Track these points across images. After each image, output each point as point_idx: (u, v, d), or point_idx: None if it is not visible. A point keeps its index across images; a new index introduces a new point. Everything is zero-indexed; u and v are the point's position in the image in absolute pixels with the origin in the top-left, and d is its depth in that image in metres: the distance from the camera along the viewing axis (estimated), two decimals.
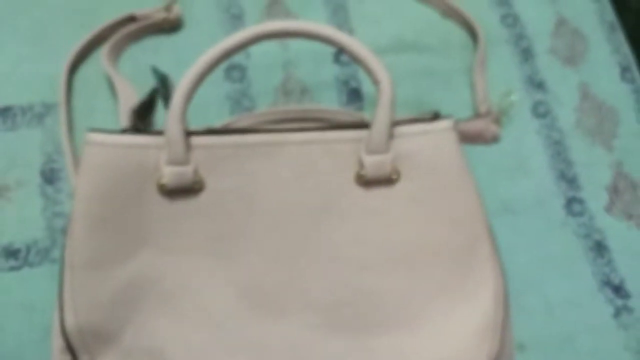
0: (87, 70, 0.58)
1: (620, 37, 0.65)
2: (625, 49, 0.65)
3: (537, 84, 0.62)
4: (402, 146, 0.39)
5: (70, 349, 0.37)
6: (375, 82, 0.39)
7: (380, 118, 0.38)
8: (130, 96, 0.55)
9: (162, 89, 0.44)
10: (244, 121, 0.55)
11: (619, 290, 0.54)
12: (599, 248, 0.55)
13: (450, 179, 0.39)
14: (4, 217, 0.53)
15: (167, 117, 0.37)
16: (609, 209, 0.57)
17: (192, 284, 0.39)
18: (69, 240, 0.37)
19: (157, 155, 0.38)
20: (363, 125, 0.40)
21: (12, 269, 0.51)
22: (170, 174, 0.37)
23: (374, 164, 0.38)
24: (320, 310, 0.39)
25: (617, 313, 0.53)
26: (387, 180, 0.39)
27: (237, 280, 0.39)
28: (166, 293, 0.38)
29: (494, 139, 0.52)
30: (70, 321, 0.37)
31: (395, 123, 0.39)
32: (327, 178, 0.39)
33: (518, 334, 0.51)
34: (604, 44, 0.64)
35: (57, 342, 0.38)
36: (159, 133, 0.38)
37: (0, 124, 0.55)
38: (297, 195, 0.39)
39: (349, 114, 0.56)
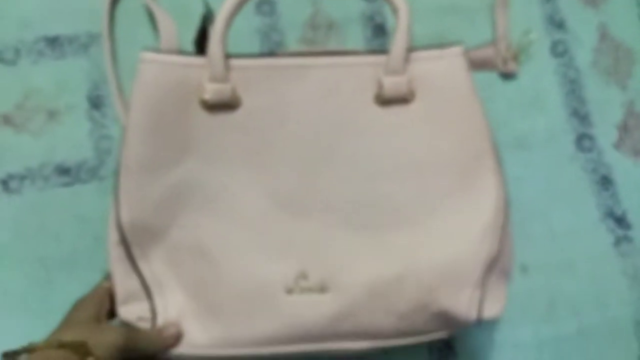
0: (128, 2, 0.62)
1: None
2: None
3: (557, 24, 0.63)
4: (417, 69, 0.44)
5: (123, 241, 0.43)
6: (394, 10, 0.43)
7: (398, 42, 0.43)
8: (169, 26, 0.59)
9: (209, 19, 0.48)
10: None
11: (620, 221, 0.58)
12: (605, 182, 0.59)
13: (459, 100, 0.44)
14: (55, 139, 0.58)
15: (210, 40, 0.42)
16: (617, 145, 0.60)
17: (229, 188, 0.44)
18: (124, 147, 0.43)
19: (200, 73, 0.43)
20: (382, 52, 0.44)
21: (65, 184, 0.57)
22: (211, 90, 0.43)
23: (391, 84, 0.43)
24: (340, 211, 0.44)
25: (617, 242, 0.57)
26: (403, 100, 0.44)
27: (268, 186, 0.44)
28: (207, 196, 0.44)
29: (505, 66, 0.55)
30: (124, 216, 0.43)
31: (411, 49, 0.44)
32: (349, 97, 0.44)
33: (522, 257, 0.56)
34: None
35: (113, 235, 0.44)
36: (204, 56, 0.43)
37: (49, 53, 0.60)
38: (323, 112, 0.44)
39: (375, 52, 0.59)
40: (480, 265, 0.43)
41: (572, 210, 0.58)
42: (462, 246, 0.43)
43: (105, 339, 0.40)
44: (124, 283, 0.44)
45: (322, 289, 0.43)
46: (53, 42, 0.60)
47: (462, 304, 0.43)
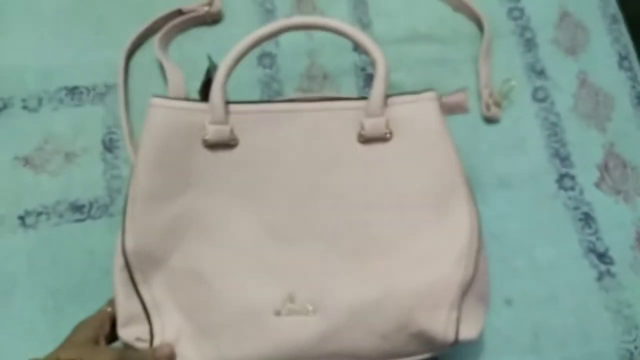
0: (142, 56, 0.68)
1: (622, 28, 0.70)
2: (626, 39, 0.70)
3: (538, 72, 0.68)
4: (394, 112, 0.48)
5: (127, 266, 0.47)
6: (373, 61, 0.49)
7: (377, 88, 0.48)
8: (178, 78, 0.65)
9: (213, 71, 0.54)
10: None
11: (603, 257, 0.60)
12: (587, 219, 0.61)
13: (433, 138, 0.48)
14: (71, 178, 0.63)
15: (212, 88, 0.48)
16: (598, 184, 0.63)
17: (226, 219, 0.49)
18: (132, 180, 0.48)
19: (203, 117, 0.48)
20: (364, 98, 0.49)
21: (78, 220, 0.61)
22: (212, 131, 0.48)
23: (371, 125, 0.48)
24: (326, 240, 0.48)
25: (600, 277, 0.59)
26: (382, 139, 0.48)
27: (261, 217, 0.49)
28: (206, 226, 0.48)
29: (488, 112, 0.62)
30: (129, 243, 0.47)
31: (389, 95, 0.49)
32: (334, 137, 0.49)
33: (506, 290, 0.58)
34: (604, 35, 0.69)
35: (118, 261, 0.48)
36: (206, 102, 0.49)
37: (69, 101, 0.66)
38: (311, 150, 0.49)
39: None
40: (456, 288, 0.46)
41: (555, 246, 0.60)
42: (439, 270, 0.46)
43: (99, 358, 0.43)
44: (126, 305, 0.47)
45: (308, 311, 0.46)
46: (73, 91, 0.66)
47: (440, 325, 0.46)
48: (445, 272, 0.46)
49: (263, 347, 0.45)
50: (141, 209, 0.47)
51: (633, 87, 0.67)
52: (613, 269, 0.59)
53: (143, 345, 0.47)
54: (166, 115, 0.48)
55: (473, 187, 0.51)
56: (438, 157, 0.48)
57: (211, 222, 0.48)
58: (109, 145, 0.64)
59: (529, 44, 0.69)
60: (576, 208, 0.62)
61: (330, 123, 0.49)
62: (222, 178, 0.49)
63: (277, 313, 0.46)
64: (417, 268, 0.47)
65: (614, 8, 0.71)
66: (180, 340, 0.47)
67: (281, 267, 0.48)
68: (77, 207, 0.62)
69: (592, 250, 0.60)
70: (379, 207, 0.48)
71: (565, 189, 0.62)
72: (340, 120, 0.49)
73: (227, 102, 0.49)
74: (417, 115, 0.49)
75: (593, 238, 0.60)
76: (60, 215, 0.61)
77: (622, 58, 0.68)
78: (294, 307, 0.46)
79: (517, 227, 0.61)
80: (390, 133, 0.48)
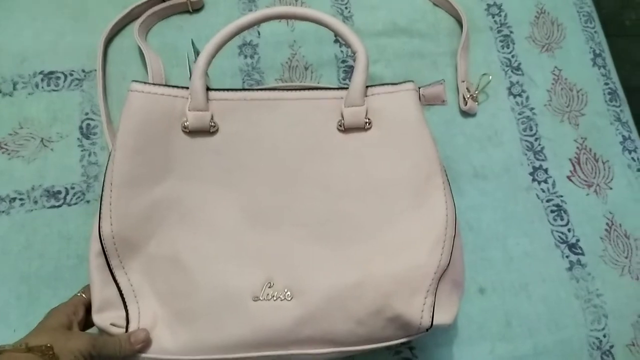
0: (121, 42, 0.68)
1: (597, 26, 0.72)
2: (600, 36, 0.72)
3: (514, 67, 0.69)
4: (374, 102, 0.49)
5: (103, 252, 0.46)
6: (354, 51, 0.50)
7: (357, 79, 0.49)
8: (157, 65, 0.64)
9: (195, 57, 0.54)
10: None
11: (574, 247, 0.61)
12: (559, 211, 0.63)
13: (411, 127, 0.49)
14: (47, 164, 0.62)
15: (192, 75, 0.48)
16: (570, 177, 0.64)
17: (206, 205, 0.48)
18: (110, 165, 0.47)
19: (183, 103, 0.48)
20: (343, 88, 0.50)
21: (53, 207, 0.60)
22: (192, 117, 0.48)
23: (351, 114, 0.49)
24: (306, 226, 0.48)
25: (571, 267, 0.60)
26: (361, 128, 0.49)
27: (241, 203, 0.48)
28: (185, 212, 0.48)
29: (465, 105, 0.63)
30: (105, 229, 0.46)
31: (369, 86, 0.50)
32: (314, 126, 0.49)
33: (479, 279, 0.59)
34: (579, 33, 0.71)
35: (94, 246, 0.47)
36: (186, 89, 0.49)
37: (45, 86, 0.65)
38: (291, 138, 0.49)
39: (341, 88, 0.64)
40: (432, 274, 0.47)
41: (528, 237, 0.61)
42: (415, 256, 0.47)
43: (71, 344, 0.42)
44: (101, 291, 0.47)
45: (286, 296, 0.46)
46: (50, 76, 0.66)
47: (415, 310, 0.46)
48: (422, 258, 0.47)
49: (240, 331, 0.45)
50: (118, 194, 0.47)
51: (606, 83, 0.69)
52: (583, 259, 0.61)
53: (118, 331, 0.46)
54: (146, 101, 0.48)
55: (449, 178, 0.52)
56: (416, 146, 0.49)
57: (190, 208, 0.48)
58: (86, 132, 0.64)
59: (506, 40, 0.70)
60: (549, 200, 0.63)
61: (310, 112, 0.50)
62: (201, 165, 0.49)
63: (256, 298, 0.46)
64: (394, 255, 0.47)
65: (589, 6, 0.73)
66: (156, 326, 0.46)
67: (260, 253, 0.48)
68: (52, 194, 0.61)
69: (563, 241, 0.61)
70: (358, 194, 0.49)
71: (539, 182, 0.64)
72: (321, 109, 0.50)
73: (208, 89, 0.49)
74: (396, 105, 0.49)
75: (565, 229, 0.62)
76: (35, 201, 0.60)
77: (597, 55, 0.70)
78: (272, 292, 0.46)
79: (491, 218, 0.62)
80: (370, 122, 0.49)
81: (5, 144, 0.62)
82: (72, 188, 0.61)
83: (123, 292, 0.47)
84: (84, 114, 0.64)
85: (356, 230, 0.48)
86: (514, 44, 0.70)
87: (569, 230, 0.62)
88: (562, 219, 0.62)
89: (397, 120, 0.49)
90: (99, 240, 0.46)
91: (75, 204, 0.61)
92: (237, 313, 0.46)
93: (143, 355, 0.46)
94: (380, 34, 0.70)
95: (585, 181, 0.64)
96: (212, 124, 0.48)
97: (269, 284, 0.47)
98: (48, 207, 0.60)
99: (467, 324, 0.57)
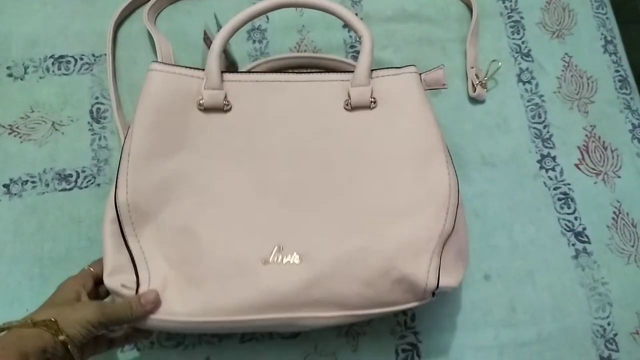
0: (130, 27, 0.68)
1: (608, 12, 0.71)
2: (612, 23, 0.71)
3: (524, 53, 0.69)
4: (378, 84, 0.52)
5: (117, 219, 0.48)
6: (359, 36, 0.52)
7: (363, 60, 0.52)
8: (167, 49, 0.65)
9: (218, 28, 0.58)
10: (263, 65, 0.66)
11: (580, 235, 0.61)
12: (566, 199, 0.62)
13: (413, 107, 0.52)
14: (58, 148, 0.63)
15: (208, 56, 0.51)
16: (578, 165, 0.64)
17: (217, 179, 0.50)
18: (128, 138, 0.50)
19: (199, 84, 0.51)
20: (349, 72, 0.53)
21: (64, 190, 0.61)
22: (207, 95, 0.51)
23: (357, 93, 0.52)
24: (314, 198, 0.50)
25: (577, 255, 0.60)
26: (367, 106, 0.52)
27: (252, 177, 0.50)
28: (197, 184, 0.50)
29: (474, 92, 0.65)
30: (121, 197, 0.48)
31: (374, 69, 0.52)
32: (322, 105, 0.52)
33: (485, 266, 0.60)
34: (590, 19, 0.70)
35: (109, 213, 0.49)
36: (202, 70, 0.52)
37: (56, 70, 0.66)
38: (300, 117, 0.52)
39: (347, 62, 0.65)
40: (437, 237, 0.48)
41: (534, 224, 0.61)
42: (420, 221, 0.49)
43: (77, 316, 0.42)
44: (113, 256, 0.48)
45: (295, 259, 0.48)
46: (60, 60, 0.66)
47: (421, 271, 0.48)
48: (427, 223, 0.49)
49: (250, 294, 0.46)
50: (135, 165, 0.49)
51: (617, 70, 0.68)
52: (589, 247, 0.61)
53: (129, 293, 0.47)
54: (164, 80, 0.51)
55: (456, 165, 0.53)
56: (418, 123, 0.51)
57: (203, 181, 0.50)
58: (96, 116, 0.64)
59: (516, 26, 0.70)
60: (556, 188, 0.63)
61: (318, 93, 0.53)
62: (215, 140, 0.51)
63: (265, 262, 0.47)
64: (399, 221, 0.49)
65: None
66: (166, 289, 0.47)
67: (269, 223, 0.49)
68: (63, 177, 0.62)
69: (570, 229, 0.61)
70: (363, 169, 0.51)
71: (546, 170, 0.64)
72: (328, 90, 0.53)
73: (223, 72, 0.52)
74: (400, 86, 0.52)
75: (571, 217, 0.62)
76: (47, 184, 0.61)
77: (608, 42, 0.69)
78: (281, 256, 0.48)
79: (498, 205, 0.62)
80: (375, 101, 0.52)
81: (17, 128, 0.63)
82: (83, 171, 0.62)
83: (134, 257, 0.48)
84: (94, 98, 0.65)
85: (362, 202, 0.50)
86: (524, 30, 0.70)
87: (575, 218, 0.62)
88: (569, 207, 0.62)
89: (400, 100, 0.52)
90: (114, 208, 0.48)
91: (86, 187, 0.62)
92: (246, 276, 0.47)
93: (152, 317, 0.46)
94: (389, 19, 0.70)
95: (594, 169, 0.64)
96: (226, 102, 0.51)
97: (279, 249, 0.48)
98: (59, 190, 0.61)
99: (471, 310, 0.58)
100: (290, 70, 0.64)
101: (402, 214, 0.49)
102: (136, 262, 0.48)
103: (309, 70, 0.55)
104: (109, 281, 0.47)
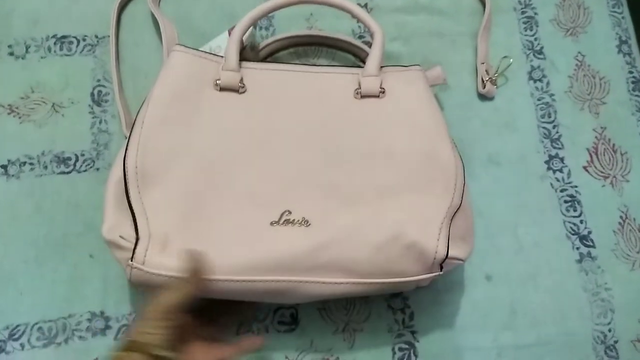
0: (134, 9, 0.67)
1: (624, 12, 0.69)
2: (627, 22, 0.69)
3: (536, 51, 0.67)
4: (387, 78, 0.55)
5: (124, 180, 0.49)
6: (371, 32, 0.56)
7: (375, 53, 0.55)
8: (172, 33, 0.63)
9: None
10: (274, 44, 0.65)
11: (585, 239, 0.60)
12: (573, 201, 0.61)
13: (419, 97, 0.54)
14: (57, 130, 0.62)
15: (228, 42, 0.54)
16: (587, 167, 0.63)
17: (229, 155, 0.51)
18: (144, 106, 0.51)
19: (218, 67, 0.54)
20: (359, 66, 0.55)
21: (63, 173, 0.60)
22: (224, 76, 0.53)
23: (368, 82, 0.54)
24: (324, 174, 0.51)
25: (581, 259, 0.59)
26: (376, 95, 0.54)
27: (261, 153, 0.51)
28: (207, 158, 0.50)
29: (484, 88, 0.64)
30: (130, 160, 0.49)
31: (383, 66, 0.54)
32: (334, 94, 0.54)
33: (487, 266, 0.59)
34: (606, 18, 0.68)
35: (115, 174, 0.49)
36: (222, 57, 0.55)
37: (58, 50, 0.64)
38: (312, 105, 0.54)
39: (358, 45, 0.64)
40: (446, 208, 0.49)
41: (539, 226, 0.60)
42: (429, 195, 0.50)
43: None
44: (114, 214, 0.48)
45: (303, 223, 0.49)
46: (63, 40, 0.65)
47: (431, 238, 0.48)
48: (436, 195, 0.50)
49: (256, 254, 0.47)
50: (148, 132, 0.50)
51: (630, 72, 0.67)
52: (594, 251, 0.60)
53: (126, 244, 0.47)
54: (185, 60, 0.53)
55: (463, 162, 0.52)
56: (424, 111, 0.53)
57: (212, 153, 0.51)
58: (98, 99, 0.63)
59: (530, 22, 0.68)
60: (563, 190, 0.62)
61: (331, 83, 0.55)
62: (228, 118, 0.52)
63: (273, 223, 0.48)
64: (410, 193, 0.50)
65: None
66: (167, 246, 0.47)
67: (279, 191, 0.50)
68: (62, 160, 0.61)
69: (575, 232, 0.60)
70: (372, 149, 0.52)
71: (554, 171, 0.62)
72: (340, 81, 0.55)
73: (241, 60, 0.55)
74: (406, 81, 0.55)
75: (577, 220, 0.61)
76: (45, 167, 0.60)
77: (622, 42, 0.68)
78: (290, 218, 0.49)
79: (503, 205, 0.61)
80: (384, 91, 0.54)
81: (17, 108, 0.62)
82: (82, 155, 0.61)
83: (136, 214, 0.48)
84: (96, 81, 0.64)
85: (371, 177, 0.51)
86: (537, 26, 0.68)
87: (581, 221, 0.61)
88: (575, 210, 0.61)
89: (407, 91, 0.54)
90: (121, 169, 0.49)
91: (85, 171, 0.61)
92: (253, 237, 0.48)
93: (155, 271, 0.46)
94: (400, 10, 0.68)
95: (602, 172, 0.63)
96: (242, 84, 0.53)
97: (288, 212, 0.49)
98: (58, 173, 0.60)
99: (471, 310, 0.57)
100: (304, 63, 0.63)
101: (412, 188, 0.50)
102: (137, 218, 0.48)
103: (323, 64, 0.59)
104: (107, 233, 0.48)
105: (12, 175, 0.60)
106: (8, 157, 0.60)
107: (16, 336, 0.55)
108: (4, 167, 0.60)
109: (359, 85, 0.54)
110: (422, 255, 0.48)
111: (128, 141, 0.50)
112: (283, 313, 0.56)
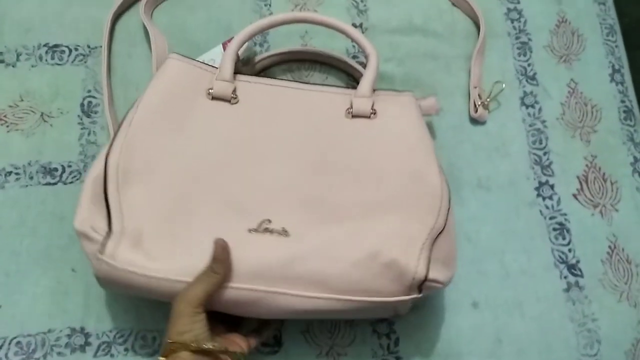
0: (129, 19, 0.66)
1: (618, 40, 0.70)
2: (621, 51, 0.69)
3: (529, 76, 0.67)
4: (379, 101, 0.55)
5: (104, 177, 0.49)
6: (366, 54, 0.56)
7: (368, 75, 0.55)
8: (162, 45, 0.63)
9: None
10: (268, 59, 0.66)
11: (573, 268, 0.60)
12: (562, 229, 0.61)
13: (409, 121, 0.54)
14: (45, 140, 0.61)
15: (224, 54, 0.55)
16: (577, 195, 0.62)
17: (215, 163, 0.51)
18: (133, 108, 0.51)
19: (212, 77, 0.54)
20: (353, 87, 0.56)
21: (49, 184, 0.60)
22: (217, 86, 0.53)
23: (360, 103, 0.54)
24: (307, 188, 0.51)
25: (568, 288, 0.59)
26: (367, 116, 0.54)
27: (246, 163, 0.51)
28: (192, 163, 0.50)
29: (475, 112, 0.64)
30: (112, 159, 0.49)
31: (376, 89, 0.55)
32: (324, 112, 0.54)
33: (474, 293, 0.58)
34: (599, 46, 0.69)
35: (94, 171, 0.50)
36: (217, 68, 0.55)
37: (49, 59, 0.64)
38: (303, 121, 0.54)
39: (351, 64, 0.65)
40: (428, 229, 0.49)
41: (526, 253, 0.60)
42: (413, 215, 0.50)
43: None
44: (89, 207, 0.48)
45: (282, 233, 0.48)
46: (54, 49, 0.64)
47: (411, 258, 0.48)
48: (419, 216, 0.50)
49: (232, 260, 0.46)
50: (135, 131, 0.50)
51: (622, 101, 0.67)
52: (582, 281, 0.59)
53: (97, 237, 0.47)
54: (180, 68, 0.53)
55: (451, 187, 0.52)
56: (413, 134, 0.53)
57: (199, 160, 0.51)
58: (87, 110, 0.63)
59: (524, 47, 0.68)
60: (552, 217, 0.61)
61: (322, 101, 0.55)
62: (217, 127, 0.52)
63: (251, 230, 0.48)
64: (393, 212, 0.50)
65: (612, 19, 0.71)
66: (142, 242, 0.47)
67: (260, 200, 0.50)
68: (48, 170, 0.60)
69: (563, 261, 0.60)
70: (359, 166, 0.52)
71: (544, 198, 0.62)
72: (332, 100, 0.55)
73: (236, 73, 0.55)
74: (398, 105, 0.55)
75: (565, 249, 0.60)
76: (31, 177, 0.60)
77: (615, 71, 0.68)
78: (269, 227, 0.48)
79: (490, 231, 0.60)
80: (375, 112, 0.54)
81: (5, 116, 0.61)
82: (69, 166, 0.60)
83: (111, 208, 0.48)
84: (86, 91, 0.63)
85: (355, 195, 0.51)
86: (531, 52, 0.68)
87: (569, 250, 0.60)
88: (563, 238, 0.61)
89: (397, 114, 0.54)
90: (102, 167, 0.49)
91: (71, 182, 0.60)
92: (228, 241, 0.47)
93: (127, 268, 0.46)
94: (395, 31, 0.68)
95: (592, 201, 0.62)
96: (234, 95, 0.53)
97: (267, 221, 0.49)
98: (43, 184, 0.60)
99: (456, 337, 0.56)
100: (298, 80, 0.64)
101: (396, 207, 0.50)
102: (112, 213, 0.48)
103: (313, 83, 0.57)
104: (80, 224, 0.48)
105: None
106: None
107: None
108: None
109: (351, 105, 0.54)
110: (401, 275, 0.47)
111: (113, 139, 0.50)
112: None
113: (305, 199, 0.50)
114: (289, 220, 0.49)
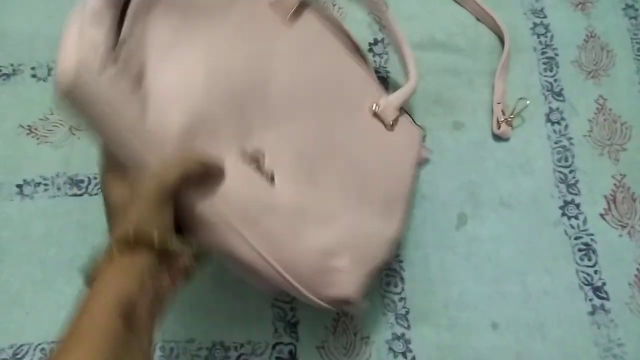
0: None
1: None
2: None
3: (556, 92, 0.65)
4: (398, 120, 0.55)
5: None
6: (408, 76, 0.58)
7: (405, 91, 0.56)
8: None
9: None
10: None
11: (599, 290, 0.58)
12: (588, 250, 0.59)
13: (408, 156, 0.56)
14: (73, 152, 0.63)
15: None
16: (604, 215, 0.61)
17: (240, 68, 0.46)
18: None
19: None
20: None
21: (75, 195, 0.62)
22: None
23: (388, 109, 0.54)
24: (299, 158, 0.47)
25: (593, 311, 0.57)
26: (385, 124, 0.54)
27: (266, 89, 0.47)
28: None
29: (499, 129, 0.64)
30: None
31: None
32: (355, 90, 0.54)
33: (494, 314, 0.57)
34: (630, 61, 0.67)
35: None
36: None
37: None
38: (335, 89, 0.52)
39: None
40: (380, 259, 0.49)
41: (550, 274, 0.58)
42: (380, 215, 0.51)
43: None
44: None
45: (268, 179, 0.44)
46: None
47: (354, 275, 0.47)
48: (385, 213, 0.51)
49: None
50: None
51: None
52: (608, 304, 0.57)
53: (88, 45, 0.37)
54: None
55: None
56: (404, 162, 0.55)
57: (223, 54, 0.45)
58: None
59: (550, 63, 0.67)
60: (577, 237, 0.60)
61: (358, 79, 0.55)
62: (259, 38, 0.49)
63: (243, 154, 0.43)
64: (364, 215, 0.50)
65: None
66: (138, 87, 0.40)
67: (261, 130, 0.46)
68: (75, 182, 0.62)
69: (588, 282, 0.58)
70: (357, 164, 0.51)
71: (569, 217, 0.60)
72: (367, 85, 0.56)
73: None
74: (408, 133, 0.56)
75: (591, 270, 0.58)
76: (59, 188, 0.62)
77: None
78: (260, 162, 0.44)
79: (513, 251, 0.59)
80: (393, 125, 0.54)
81: (36, 129, 0.64)
82: (95, 178, 0.62)
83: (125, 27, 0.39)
84: None
85: (344, 186, 0.50)
86: (557, 67, 0.67)
87: (595, 272, 0.58)
88: (589, 259, 0.59)
89: (402, 142, 0.55)
90: None
91: (96, 194, 0.62)
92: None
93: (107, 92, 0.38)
94: (417, 46, 0.67)
95: (620, 221, 0.60)
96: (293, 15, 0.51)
97: (262, 155, 0.44)
98: (70, 195, 0.62)
99: (474, 358, 0.55)
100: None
101: (365, 213, 0.50)
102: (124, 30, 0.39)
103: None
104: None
105: (27, 195, 0.61)
106: (24, 177, 0.62)
107: (19, 356, 0.56)
108: (20, 186, 0.61)
109: (378, 104, 0.54)
110: (339, 286, 0.45)
111: None
112: (281, 349, 0.56)
113: (301, 155, 0.47)
114: (280, 168, 0.45)
